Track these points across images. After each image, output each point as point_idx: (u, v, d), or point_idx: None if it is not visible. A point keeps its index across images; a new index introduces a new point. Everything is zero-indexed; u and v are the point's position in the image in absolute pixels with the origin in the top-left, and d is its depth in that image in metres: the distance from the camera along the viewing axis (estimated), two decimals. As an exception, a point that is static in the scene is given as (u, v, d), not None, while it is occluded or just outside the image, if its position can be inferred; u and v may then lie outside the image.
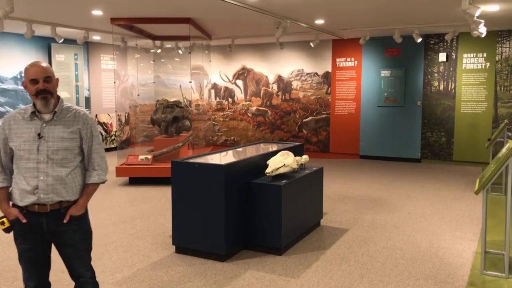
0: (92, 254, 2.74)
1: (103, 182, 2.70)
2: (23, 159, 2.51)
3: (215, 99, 11.66)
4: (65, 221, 2.53)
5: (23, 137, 2.51)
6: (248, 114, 11.34)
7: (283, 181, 4.42)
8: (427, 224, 5.37)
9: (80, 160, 2.62)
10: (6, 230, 2.56)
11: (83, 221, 2.64)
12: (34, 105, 2.55)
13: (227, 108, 11.57)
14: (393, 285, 3.72)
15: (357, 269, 4.04)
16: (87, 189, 2.63)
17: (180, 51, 10.05)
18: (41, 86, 2.49)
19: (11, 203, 2.59)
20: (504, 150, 4.16)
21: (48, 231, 2.54)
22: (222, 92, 11.61)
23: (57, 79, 2.62)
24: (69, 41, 9.28)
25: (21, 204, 2.52)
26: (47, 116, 2.54)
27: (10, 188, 2.60)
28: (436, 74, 9.47)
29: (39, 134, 2.50)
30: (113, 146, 11.32)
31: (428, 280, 3.80)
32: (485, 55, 9.01)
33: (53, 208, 2.51)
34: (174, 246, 4.47)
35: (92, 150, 2.64)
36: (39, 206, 2.50)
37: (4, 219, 2.54)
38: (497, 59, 8.92)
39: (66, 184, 2.53)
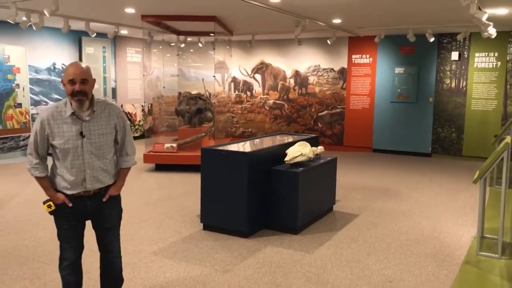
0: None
1: (134, 164, 3.06)
2: (69, 156, 2.72)
3: (234, 92, 12.16)
4: (104, 199, 2.85)
5: (66, 136, 2.70)
6: (266, 107, 11.81)
7: (300, 169, 4.91)
8: (432, 212, 5.81)
9: (115, 150, 2.93)
10: (52, 213, 2.81)
11: (118, 200, 3.01)
12: (71, 103, 2.72)
13: (245, 101, 12.06)
14: (396, 261, 4.20)
15: (365, 248, 4.53)
16: (123, 172, 2.97)
17: (200, 44, 10.55)
18: (77, 88, 2.65)
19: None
20: (502, 144, 4.59)
21: (91, 211, 2.86)
22: (241, 85, 12.09)
23: (94, 80, 2.77)
24: (98, 35, 9.79)
25: (69, 193, 2.77)
26: (85, 115, 2.73)
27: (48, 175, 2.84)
28: (448, 72, 9.82)
29: (81, 133, 2.71)
30: (137, 135, 11.92)
31: (428, 258, 4.28)
32: (496, 54, 9.33)
33: (95, 192, 2.83)
34: (201, 224, 5.01)
35: (125, 139, 2.94)
36: (84, 192, 2.80)
37: (51, 203, 2.77)
38: (508, 58, 9.23)
39: (107, 172, 2.86)
